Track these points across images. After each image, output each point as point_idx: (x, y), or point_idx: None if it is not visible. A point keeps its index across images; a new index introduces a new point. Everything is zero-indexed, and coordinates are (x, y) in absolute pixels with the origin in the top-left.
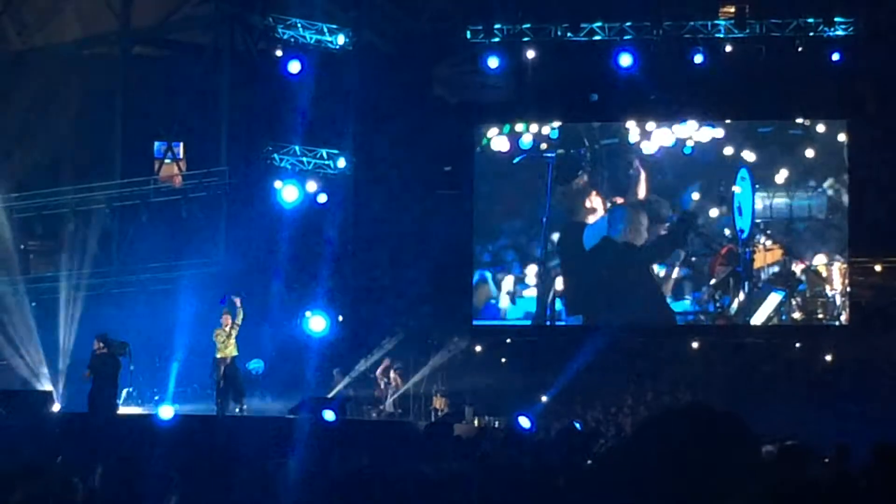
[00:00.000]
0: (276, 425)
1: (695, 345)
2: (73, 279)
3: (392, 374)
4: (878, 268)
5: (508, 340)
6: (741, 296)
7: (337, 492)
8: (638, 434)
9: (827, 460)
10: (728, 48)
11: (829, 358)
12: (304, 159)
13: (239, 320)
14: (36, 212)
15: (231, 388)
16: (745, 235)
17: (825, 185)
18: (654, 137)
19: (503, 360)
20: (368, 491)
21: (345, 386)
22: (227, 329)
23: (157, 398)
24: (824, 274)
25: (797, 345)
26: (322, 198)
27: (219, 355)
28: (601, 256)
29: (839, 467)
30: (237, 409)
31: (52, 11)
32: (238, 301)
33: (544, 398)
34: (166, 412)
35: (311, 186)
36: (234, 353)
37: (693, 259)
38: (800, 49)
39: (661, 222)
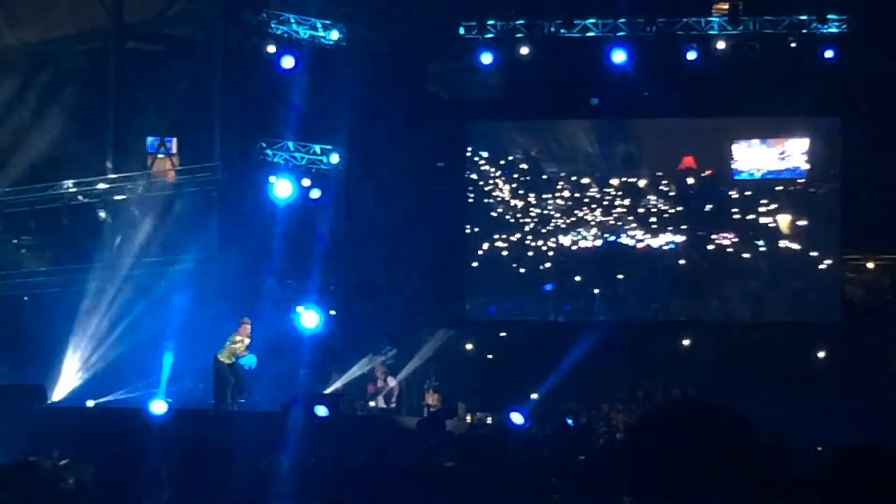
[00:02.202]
0: (269, 421)
1: (686, 342)
2: (65, 274)
3: (384, 371)
4: (870, 265)
5: (503, 334)
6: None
7: (329, 486)
8: (640, 425)
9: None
10: (721, 45)
11: (821, 355)
12: (298, 155)
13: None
14: (29, 206)
15: (236, 386)
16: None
17: (819, 182)
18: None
19: (489, 356)
20: (360, 485)
21: (339, 382)
22: (243, 338)
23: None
24: (818, 271)
25: (790, 342)
26: (315, 193)
27: (224, 359)
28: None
29: (830, 464)
30: (234, 404)
31: (45, 6)
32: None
33: (535, 395)
34: (158, 407)
35: (305, 182)
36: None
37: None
38: (793, 46)
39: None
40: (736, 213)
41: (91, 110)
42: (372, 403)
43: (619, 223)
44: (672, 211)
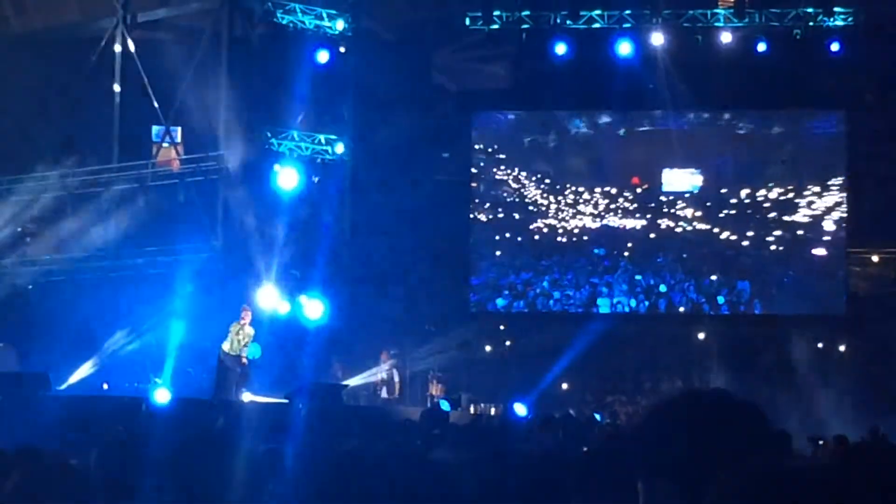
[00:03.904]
0: (272, 410)
1: (692, 334)
2: (69, 262)
3: (388, 361)
4: (875, 258)
5: (501, 325)
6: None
7: (330, 476)
8: (654, 415)
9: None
10: (727, 37)
11: (826, 347)
12: (303, 144)
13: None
14: (33, 194)
15: (242, 376)
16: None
17: (824, 175)
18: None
19: (494, 347)
20: (362, 476)
21: (342, 373)
22: (245, 325)
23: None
24: (822, 264)
25: (795, 334)
26: (319, 183)
27: (229, 350)
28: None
29: (833, 457)
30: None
31: None
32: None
33: (539, 386)
34: (162, 396)
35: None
36: (236, 351)
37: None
38: (799, 39)
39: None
40: (665, 209)
41: (96, 99)
42: (382, 394)
43: (604, 213)
44: (631, 207)
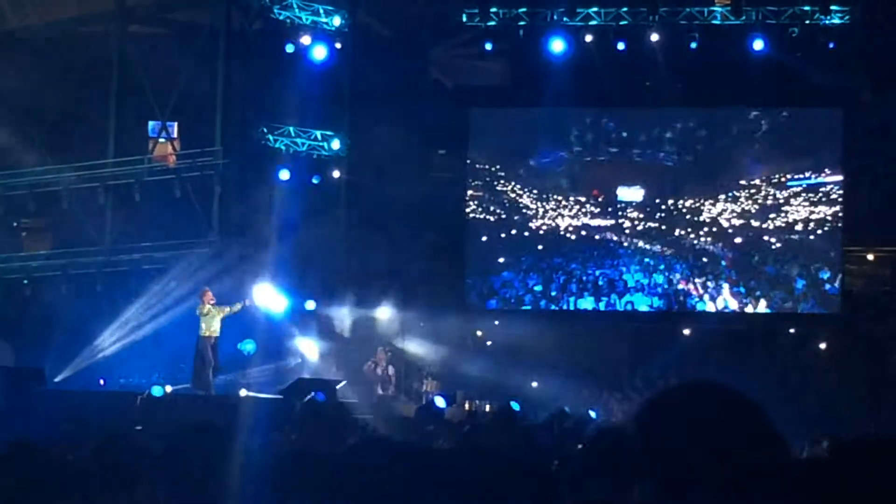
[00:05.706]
0: (268, 405)
1: (686, 331)
2: (65, 257)
3: (385, 357)
4: (870, 256)
5: (496, 322)
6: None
7: (324, 472)
8: (647, 410)
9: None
10: (723, 34)
11: (820, 346)
12: (299, 140)
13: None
14: (29, 189)
15: (211, 367)
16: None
17: (820, 173)
18: None
19: (489, 342)
20: (356, 472)
21: (338, 369)
22: (208, 306)
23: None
24: (817, 262)
25: (789, 333)
26: (316, 179)
27: (205, 333)
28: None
29: (828, 456)
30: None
31: None
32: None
33: (535, 383)
34: (157, 391)
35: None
36: (216, 333)
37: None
38: (795, 36)
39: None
40: (620, 213)
41: (93, 93)
42: (377, 391)
43: (578, 217)
44: (596, 211)
